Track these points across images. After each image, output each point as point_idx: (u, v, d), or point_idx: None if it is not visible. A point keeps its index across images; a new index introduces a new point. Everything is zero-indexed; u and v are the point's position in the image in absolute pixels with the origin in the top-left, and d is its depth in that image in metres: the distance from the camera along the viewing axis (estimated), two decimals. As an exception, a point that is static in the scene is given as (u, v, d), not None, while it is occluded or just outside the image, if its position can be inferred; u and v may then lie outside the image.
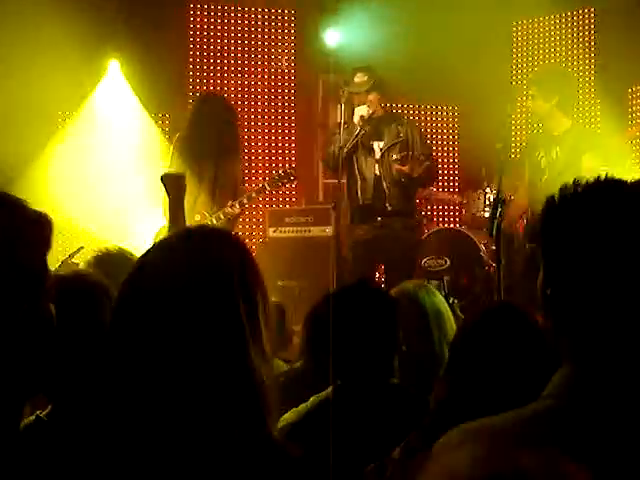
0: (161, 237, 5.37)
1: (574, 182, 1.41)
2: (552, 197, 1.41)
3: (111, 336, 1.44)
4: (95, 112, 8.33)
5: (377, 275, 6.68)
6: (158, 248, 1.52)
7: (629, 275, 1.30)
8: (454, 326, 3.01)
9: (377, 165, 6.18)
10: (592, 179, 1.42)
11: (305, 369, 3.13)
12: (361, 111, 6.14)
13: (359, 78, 6.22)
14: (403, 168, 6.00)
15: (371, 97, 6.18)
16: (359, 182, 6.23)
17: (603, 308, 1.32)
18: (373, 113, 6.17)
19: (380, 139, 6.22)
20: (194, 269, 1.42)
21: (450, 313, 3.09)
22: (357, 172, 6.23)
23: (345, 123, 6.23)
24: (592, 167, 5.18)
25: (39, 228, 1.40)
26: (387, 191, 6.11)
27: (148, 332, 1.39)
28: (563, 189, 1.41)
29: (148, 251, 1.51)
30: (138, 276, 1.46)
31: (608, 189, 1.39)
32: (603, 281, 1.32)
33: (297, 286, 7.09)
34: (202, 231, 1.57)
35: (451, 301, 3.57)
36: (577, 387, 1.29)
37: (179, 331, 1.38)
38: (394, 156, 6.13)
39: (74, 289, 1.92)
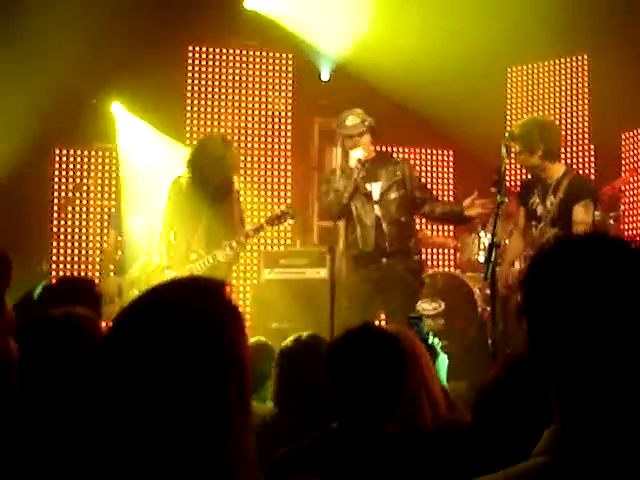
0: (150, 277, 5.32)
1: (556, 239, 1.44)
2: (536, 255, 1.43)
3: (92, 391, 1.42)
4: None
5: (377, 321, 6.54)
6: (136, 308, 1.48)
7: (608, 333, 1.30)
8: (430, 365, 3.02)
9: (377, 206, 6.11)
10: (576, 235, 1.48)
11: (277, 417, 3.07)
12: (357, 154, 6.09)
13: (351, 121, 6.18)
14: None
15: (364, 140, 6.15)
16: (359, 229, 6.13)
17: (585, 366, 1.31)
18: (367, 156, 6.14)
19: (376, 180, 6.17)
20: (174, 329, 1.37)
21: (427, 354, 3.06)
22: (356, 219, 6.15)
23: (341, 169, 6.20)
24: (582, 219, 5.21)
25: None
26: (387, 231, 6.08)
27: (124, 394, 1.36)
28: (546, 246, 1.45)
29: (126, 309, 1.47)
30: (114, 337, 1.44)
31: (590, 247, 1.39)
32: (583, 340, 1.31)
33: (291, 328, 7.05)
34: (188, 286, 1.53)
35: (431, 341, 3.54)
36: (566, 444, 1.29)
37: (155, 394, 1.34)
38: (392, 195, 6.09)
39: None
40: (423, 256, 8.39)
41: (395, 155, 8.38)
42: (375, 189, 6.16)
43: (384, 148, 7.86)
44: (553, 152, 5.37)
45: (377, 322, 6.35)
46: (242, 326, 1.46)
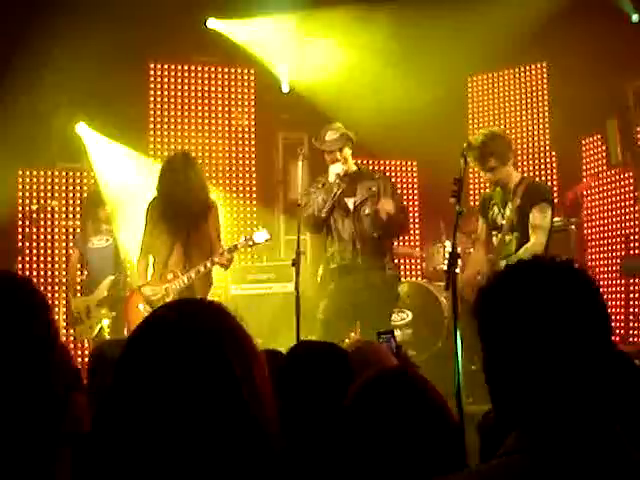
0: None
1: (505, 267, 1.58)
2: (485, 284, 1.57)
3: (105, 416, 1.44)
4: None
5: (353, 332, 6.53)
6: (149, 326, 1.51)
7: (553, 347, 1.45)
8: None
9: (352, 222, 6.11)
10: (520, 263, 1.58)
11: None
12: (336, 169, 6.08)
13: (330, 136, 6.16)
14: (386, 207, 5.91)
15: (343, 154, 6.12)
16: (337, 243, 6.14)
17: (537, 376, 1.46)
18: (347, 170, 6.14)
19: (353, 195, 6.16)
20: (186, 345, 1.42)
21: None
22: (334, 233, 6.16)
23: (321, 183, 6.18)
24: (539, 223, 5.28)
25: None
26: (359, 248, 6.05)
27: (140, 415, 1.38)
28: (495, 274, 1.59)
29: (139, 328, 1.50)
30: (130, 355, 1.46)
31: (533, 274, 1.53)
32: (533, 354, 1.46)
33: (260, 344, 7.05)
34: (194, 305, 1.56)
35: (404, 353, 3.55)
36: (532, 444, 1.44)
37: (173, 410, 1.38)
38: (366, 210, 6.08)
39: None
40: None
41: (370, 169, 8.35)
42: (350, 204, 6.17)
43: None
44: (504, 157, 5.44)
45: (352, 334, 6.38)
46: (251, 345, 1.54)
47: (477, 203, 6.22)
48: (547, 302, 1.46)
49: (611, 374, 1.48)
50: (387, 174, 9.20)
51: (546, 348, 1.44)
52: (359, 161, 6.57)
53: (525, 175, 5.95)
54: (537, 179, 7.61)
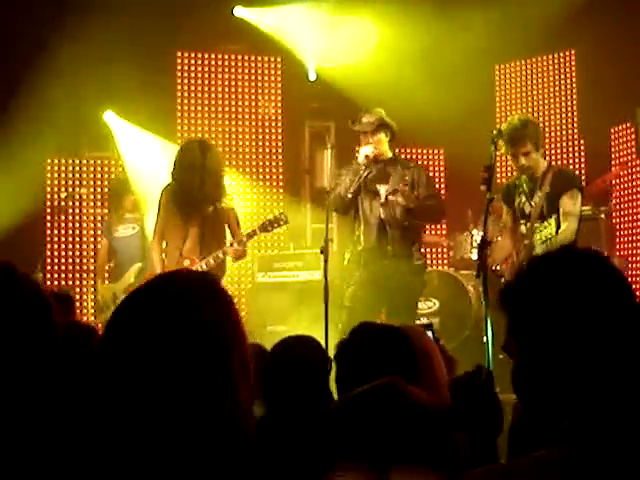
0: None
1: (530, 259, 1.60)
2: (514, 276, 1.58)
3: (93, 385, 1.45)
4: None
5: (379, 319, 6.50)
6: (137, 295, 1.52)
7: (588, 340, 1.44)
8: (442, 366, 3.00)
9: (382, 209, 6.07)
10: (548, 255, 1.60)
11: (266, 418, 3.08)
12: (366, 150, 6.05)
13: (367, 118, 6.14)
14: (399, 200, 5.91)
15: (376, 138, 6.10)
16: (362, 226, 6.11)
17: (577, 368, 1.45)
18: (379, 155, 6.10)
19: (386, 182, 6.11)
20: (171, 318, 1.43)
21: (438, 355, 3.08)
22: (361, 216, 6.13)
23: (352, 165, 6.15)
24: (570, 210, 5.23)
25: None
26: (390, 235, 6.02)
27: (124, 384, 1.39)
28: (525, 265, 1.60)
29: (127, 298, 1.52)
30: (117, 323, 1.47)
31: (561, 264, 1.53)
32: (570, 347, 1.45)
33: (286, 331, 7.07)
34: (183, 278, 1.58)
35: (441, 346, 3.55)
36: (577, 437, 1.41)
37: (154, 381, 1.39)
38: (399, 199, 6.04)
39: None
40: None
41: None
42: (382, 191, 6.13)
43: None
44: (539, 145, 5.41)
45: (378, 322, 6.33)
46: (236, 309, 1.53)
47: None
48: (580, 291, 1.47)
49: None
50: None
51: (582, 338, 1.44)
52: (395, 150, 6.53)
53: (552, 163, 5.89)
54: (566, 167, 7.55)
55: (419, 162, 9.67)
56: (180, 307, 1.45)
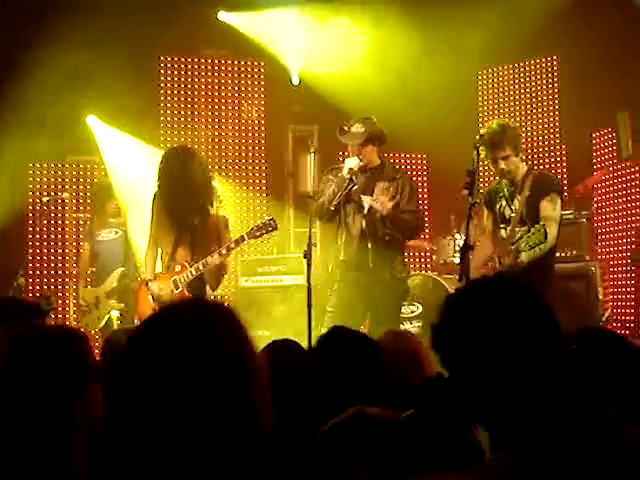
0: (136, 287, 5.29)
1: (465, 285, 1.69)
2: (447, 300, 1.72)
3: (108, 418, 1.44)
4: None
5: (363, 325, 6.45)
6: (150, 326, 1.51)
7: (510, 362, 1.58)
8: (434, 367, 3.03)
9: (364, 221, 5.99)
10: (479, 281, 1.75)
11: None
12: (350, 163, 5.96)
13: (356, 129, 6.03)
14: (374, 205, 5.87)
15: (365, 150, 6.00)
16: (344, 236, 6.05)
17: (511, 386, 1.58)
18: (365, 166, 6.01)
19: (370, 194, 6.02)
20: (185, 347, 1.41)
21: (429, 356, 3.09)
22: (344, 226, 6.06)
23: (336, 173, 6.07)
24: (550, 214, 5.25)
25: None
26: (371, 248, 5.95)
27: (140, 419, 1.38)
28: (456, 292, 1.75)
29: (144, 328, 1.50)
30: (131, 355, 1.46)
31: (495, 289, 1.68)
32: (494, 373, 1.58)
33: (270, 336, 7.06)
34: (201, 310, 1.56)
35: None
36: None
37: (173, 417, 1.37)
38: (375, 205, 5.93)
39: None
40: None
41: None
42: (365, 202, 6.03)
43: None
44: (518, 150, 5.42)
45: (361, 328, 6.31)
46: (251, 338, 1.53)
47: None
48: (504, 317, 1.60)
49: (569, 363, 1.61)
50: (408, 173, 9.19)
51: (512, 357, 1.57)
52: (383, 155, 6.46)
53: (532, 167, 5.90)
54: (545, 171, 7.59)
55: (402, 167, 9.71)
56: (201, 341, 1.43)
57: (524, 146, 5.80)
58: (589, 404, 1.56)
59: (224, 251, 5.93)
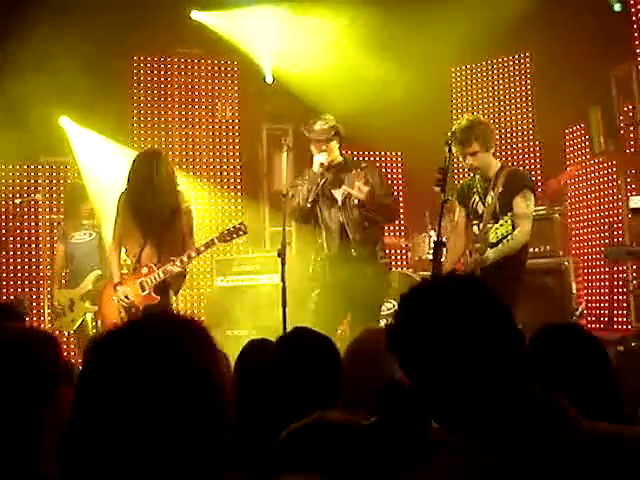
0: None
1: (422, 283, 1.76)
2: (401, 299, 1.71)
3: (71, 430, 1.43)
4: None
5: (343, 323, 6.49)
6: (121, 336, 1.49)
7: (466, 361, 1.59)
8: None
9: (340, 214, 6.06)
10: (417, 287, 1.75)
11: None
12: (320, 158, 6.04)
13: (319, 126, 6.10)
14: (351, 190, 5.92)
15: (332, 145, 6.08)
16: (324, 233, 6.10)
17: (463, 383, 1.59)
18: (332, 161, 6.09)
19: (340, 186, 6.10)
20: (150, 362, 1.39)
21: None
22: (322, 223, 6.11)
23: (307, 174, 6.14)
24: (523, 211, 5.28)
25: None
26: (351, 237, 6.01)
27: (104, 429, 1.37)
28: (408, 292, 1.74)
29: (109, 338, 1.48)
30: (99, 363, 1.44)
31: (448, 288, 1.69)
32: (457, 368, 1.59)
33: (245, 335, 7.06)
34: (170, 324, 1.54)
35: None
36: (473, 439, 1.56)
37: (135, 430, 1.36)
38: (355, 201, 6.00)
39: None
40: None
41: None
42: (337, 195, 6.11)
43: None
44: (488, 146, 5.43)
45: (342, 324, 6.36)
46: (221, 355, 1.51)
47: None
48: (457, 316, 1.61)
49: (525, 361, 1.61)
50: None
51: (463, 355, 1.58)
52: (344, 152, 6.54)
53: (505, 163, 5.92)
54: (518, 167, 7.63)
55: (377, 164, 9.75)
56: (168, 356, 1.41)
57: (497, 142, 5.82)
58: (541, 398, 1.57)
59: (193, 254, 5.94)
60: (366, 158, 9.72)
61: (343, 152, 6.32)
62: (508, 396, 1.57)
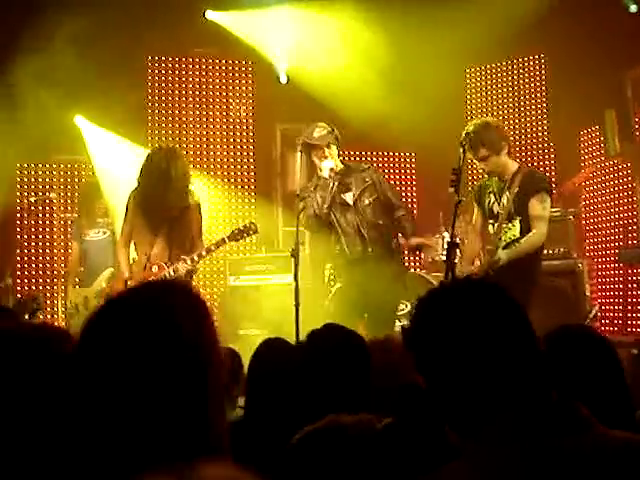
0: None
1: (440, 285, 1.81)
2: (419, 302, 1.72)
3: (69, 390, 1.44)
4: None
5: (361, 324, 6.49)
6: (112, 305, 1.51)
7: (484, 363, 1.59)
8: None
9: (354, 214, 6.09)
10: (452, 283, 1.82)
11: (244, 421, 3.09)
12: (329, 164, 6.06)
13: (319, 132, 6.12)
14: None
15: (332, 151, 6.11)
16: (343, 238, 6.11)
17: (479, 384, 1.59)
18: (337, 166, 6.13)
19: (349, 190, 6.13)
20: (146, 327, 1.41)
21: None
22: (339, 229, 6.12)
23: (315, 183, 6.18)
24: (539, 213, 5.27)
25: None
26: (367, 236, 6.04)
27: (99, 392, 1.38)
28: (427, 293, 1.74)
29: (103, 308, 1.50)
30: (92, 331, 1.46)
31: (466, 291, 1.70)
32: (467, 373, 1.60)
33: (259, 335, 7.07)
34: (156, 286, 1.56)
35: None
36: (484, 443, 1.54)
37: (130, 388, 1.37)
38: (366, 201, 6.05)
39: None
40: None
41: (361, 160, 8.41)
42: (348, 198, 6.13)
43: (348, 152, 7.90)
44: (497, 148, 5.40)
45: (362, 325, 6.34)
46: (214, 324, 1.50)
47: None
48: (474, 319, 1.61)
49: (541, 365, 1.61)
50: (381, 165, 9.27)
51: (480, 358, 1.58)
52: (356, 153, 6.56)
53: (522, 165, 5.90)
54: (536, 169, 7.60)
55: (391, 165, 9.77)
56: (159, 325, 1.42)
57: (512, 143, 5.80)
58: (559, 405, 1.56)
59: (204, 253, 5.96)
60: (380, 159, 9.73)
61: (341, 159, 6.36)
62: (524, 400, 1.56)
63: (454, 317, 1.63)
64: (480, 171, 6.06)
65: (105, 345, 1.42)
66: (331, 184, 6.06)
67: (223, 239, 6.06)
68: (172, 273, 5.90)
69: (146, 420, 1.36)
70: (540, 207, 5.26)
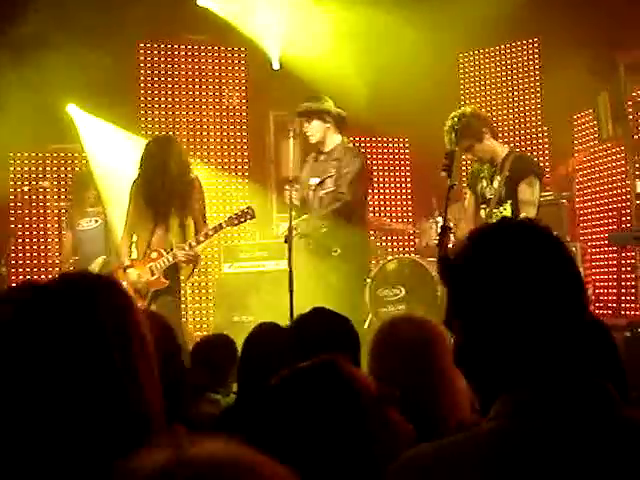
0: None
1: (472, 233, 1.61)
2: (469, 236, 1.59)
3: None
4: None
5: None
6: (36, 293, 1.51)
7: (528, 313, 1.45)
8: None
9: (315, 201, 6.18)
10: (491, 225, 1.64)
11: (236, 406, 3.10)
12: (312, 138, 6.22)
13: (307, 100, 6.32)
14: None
15: (313, 124, 6.18)
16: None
17: (517, 341, 1.45)
18: (319, 144, 6.20)
19: (316, 175, 6.23)
20: (65, 317, 1.40)
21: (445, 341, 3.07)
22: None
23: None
24: (528, 198, 5.27)
25: None
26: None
27: (17, 380, 1.38)
28: (481, 230, 1.62)
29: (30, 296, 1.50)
30: (18, 319, 1.46)
31: (504, 236, 1.54)
32: (509, 322, 1.46)
33: (252, 321, 7.07)
34: (81, 281, 1.56)
35: None
36: (519, 410, 1.41)
37: (47, 375, 1.37)
38: (320, 193, 6.13)
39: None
40: (382, 243, 8.51)
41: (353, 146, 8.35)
42: (312, 182, 6.22)
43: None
44: (479, 136, 5.40)
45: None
46: (136, 312, 1.49)
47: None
48: (520, 263, 1.47)
49: (587, 333, 1.48)
50: (374, 150, 9.25)
51: (524, 311, 1.44)
52: (350, 138, 6.53)
53: (513, 149, 5.90)
54: (525, 152, 7.60)
55: (384, 150, 9.75)
56: (74, 307, 1.42)
57: (504, 127, 5.81)
58: (592, 379, 1.45)
59: (202, 238, 5.97)
60: (373, 144, 9.73)
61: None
62: (560, 367, 1.44)
63: (505, 256, 1.48)
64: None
65: (24, 327, 1.39)
66: (307, 165, 6.22)
67: (220, 224, 6.09)
68: (170, 259, 5.94)
69: (68, 408, 1.35)
70: (529, 191, 5.27)
